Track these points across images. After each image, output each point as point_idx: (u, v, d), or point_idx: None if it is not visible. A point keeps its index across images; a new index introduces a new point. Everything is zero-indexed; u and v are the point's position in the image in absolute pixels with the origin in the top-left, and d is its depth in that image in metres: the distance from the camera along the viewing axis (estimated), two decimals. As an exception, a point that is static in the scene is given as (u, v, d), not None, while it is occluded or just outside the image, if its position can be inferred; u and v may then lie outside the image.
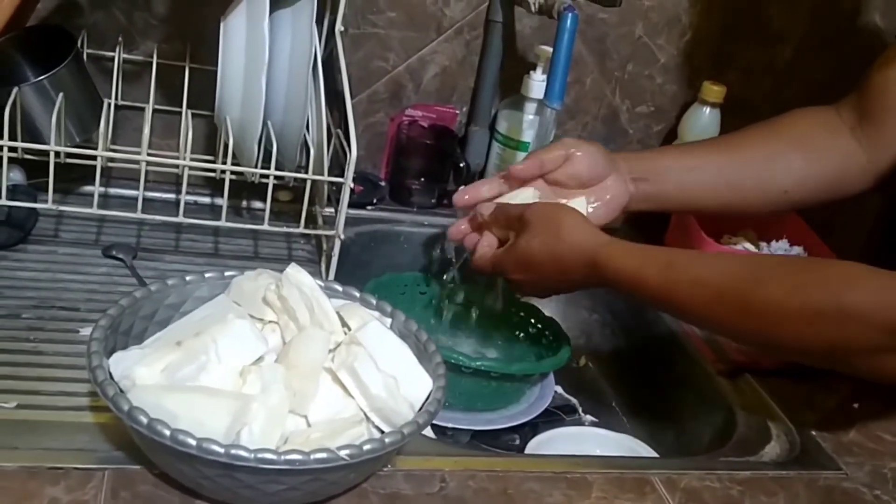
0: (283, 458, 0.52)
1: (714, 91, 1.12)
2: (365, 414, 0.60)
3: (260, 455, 0.51)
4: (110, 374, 0.58)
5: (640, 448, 0.87)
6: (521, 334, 1.00)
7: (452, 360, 0.84)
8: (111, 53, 0.94)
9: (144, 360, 0.58)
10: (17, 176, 0.87)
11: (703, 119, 1.13)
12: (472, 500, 0.64)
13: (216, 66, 0.85)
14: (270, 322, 0.64)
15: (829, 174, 0.88)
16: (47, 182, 0.78)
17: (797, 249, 1.05)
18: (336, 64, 0.90)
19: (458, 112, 1.09)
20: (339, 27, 0.91)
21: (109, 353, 0.59)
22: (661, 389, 0.96)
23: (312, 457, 0.52)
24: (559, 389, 1.02)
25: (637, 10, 1.10)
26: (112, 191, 0.96)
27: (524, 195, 0.86)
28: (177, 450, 0.52)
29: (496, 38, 1.05)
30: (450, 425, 0.88)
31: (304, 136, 0.86)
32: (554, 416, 0.96)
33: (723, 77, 1.13)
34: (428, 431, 0.86)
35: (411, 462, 0.66)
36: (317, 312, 0.63)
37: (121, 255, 0.83)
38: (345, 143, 0.82)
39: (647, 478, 0.69)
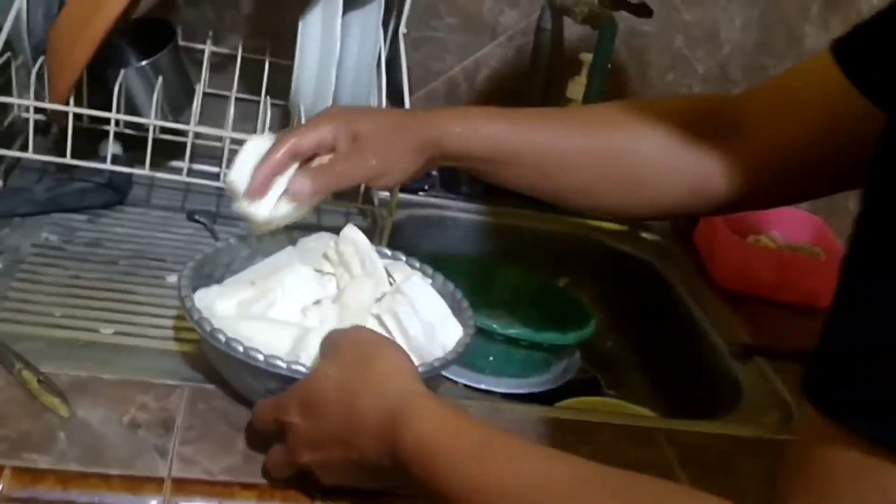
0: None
1: (747, 101, 1.20)
2: None
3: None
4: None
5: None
6: (553, 313, 1.09)
7: (486, 328, 0.95)
8: (201, 46, 1.07)
9: (224, 296, 0.69)
10: (117, 148, 1.00)
11: (737, 127, 1.22)
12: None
13: (292, 60, 0.97)
14: (328, 273, 0.75)
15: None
16: (142, 155, 0.90)
17: (817, 250, 1.13)
18: (398, 62, 1.01)
19: (507, 111, 1.20)
20: (402, 30, 1.02)
21: (194, 291, 0.71)
22: (680, 369, 1.04)
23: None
24: (586, 366, 1.11)
25: (677, 24, 1.19)
26: (196, 167, 1.08)
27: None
28: (248, 364, 0.63)
29: (545, 44, 1.15)
30: (482, 386, 0.97)
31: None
32: (578, 389, 1.05)
33: (757, 88, 1.21)
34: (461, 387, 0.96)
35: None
36: (367, 265, 0.73)
37: (203, 220, 0.96)
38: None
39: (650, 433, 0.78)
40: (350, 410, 0.56)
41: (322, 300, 0.72)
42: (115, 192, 0.94)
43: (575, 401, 0.98)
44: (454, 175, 1.18)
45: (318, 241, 0.77)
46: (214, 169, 1.00)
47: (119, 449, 0.63)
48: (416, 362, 0.69)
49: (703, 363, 1.00)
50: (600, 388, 1.07)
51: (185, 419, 0.67)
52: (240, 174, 0.70)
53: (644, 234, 1.20)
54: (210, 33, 1.07)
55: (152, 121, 0.88)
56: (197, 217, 0.96)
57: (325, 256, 0.76)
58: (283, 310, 0.69)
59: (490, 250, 1.16)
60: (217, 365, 0.69)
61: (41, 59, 0.88)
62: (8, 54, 0.87)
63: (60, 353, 0.71)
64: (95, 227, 0.91)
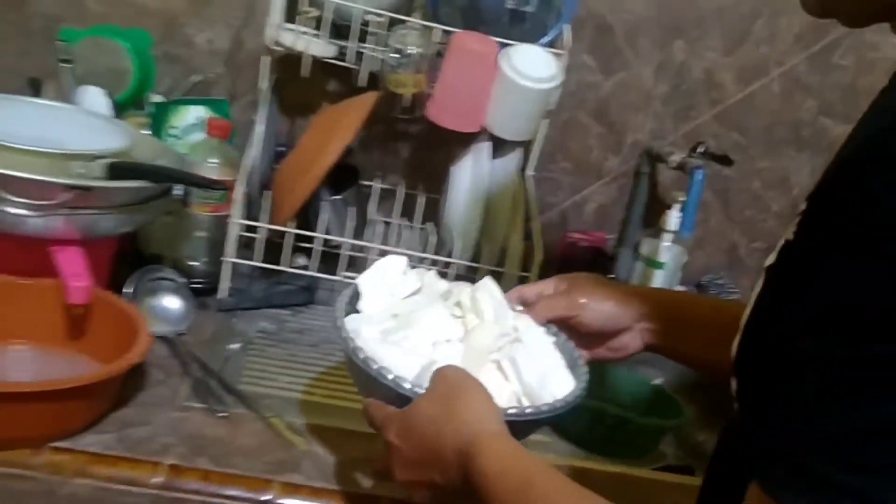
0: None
1: (815, 234, 1.42)
2: (517, 398, 0.77)
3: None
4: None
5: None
6: (649, 407, 1.30)
7: (596, 407, 1.15)
8: (370, 183, 1.36)
9: (371, 323, 0.82)
10: (305, 260, 1.28)
11: (806, 255, 1.43)
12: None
13: (440, 195, 1.24)
14: (459, 317, 0.85)
15: None
16: (325, 266, 1.18)
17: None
18: (526, 196, 1.28)
19: (609, 237, 1.44)
20: (529, 172, 1.29)
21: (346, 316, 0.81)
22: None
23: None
24: (680, 454, 1.30)
25: (753, 169, 1.44)
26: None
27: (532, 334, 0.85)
28: (378, 380, 0.73)
29: (643, 185, 1.41)
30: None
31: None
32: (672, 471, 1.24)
33: (823, 224, 1.43)
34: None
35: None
36: (498, 313, 0.83)
37: (374, 317, 1.21)
38: (535, 250, 1.19)
39: None
40: (435, 438, 0.67)
41: (452, 339, 0.81)
42: (308, 293, 1.22)
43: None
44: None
45: (456, 288, 0.89)
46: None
47: (348, 475, 0.87)
48: (528, 406, 0.76)
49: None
50: (694, 474, 1.25)
51: (385, 461, 0.90)
52: (367, 279, 0.87)
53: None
54: (378, 173, 1.36)
55: (347, 240, 1.16)
56: (369, 315, 1.22)
57: (459, 303, 0.85)
58: (417, 342, 0.79)
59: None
60: (356, 379, 0.82)
61: (264, 192, 1.17)
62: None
63: (290, 407, 0.96)
64: (297, 319, 1.18)
